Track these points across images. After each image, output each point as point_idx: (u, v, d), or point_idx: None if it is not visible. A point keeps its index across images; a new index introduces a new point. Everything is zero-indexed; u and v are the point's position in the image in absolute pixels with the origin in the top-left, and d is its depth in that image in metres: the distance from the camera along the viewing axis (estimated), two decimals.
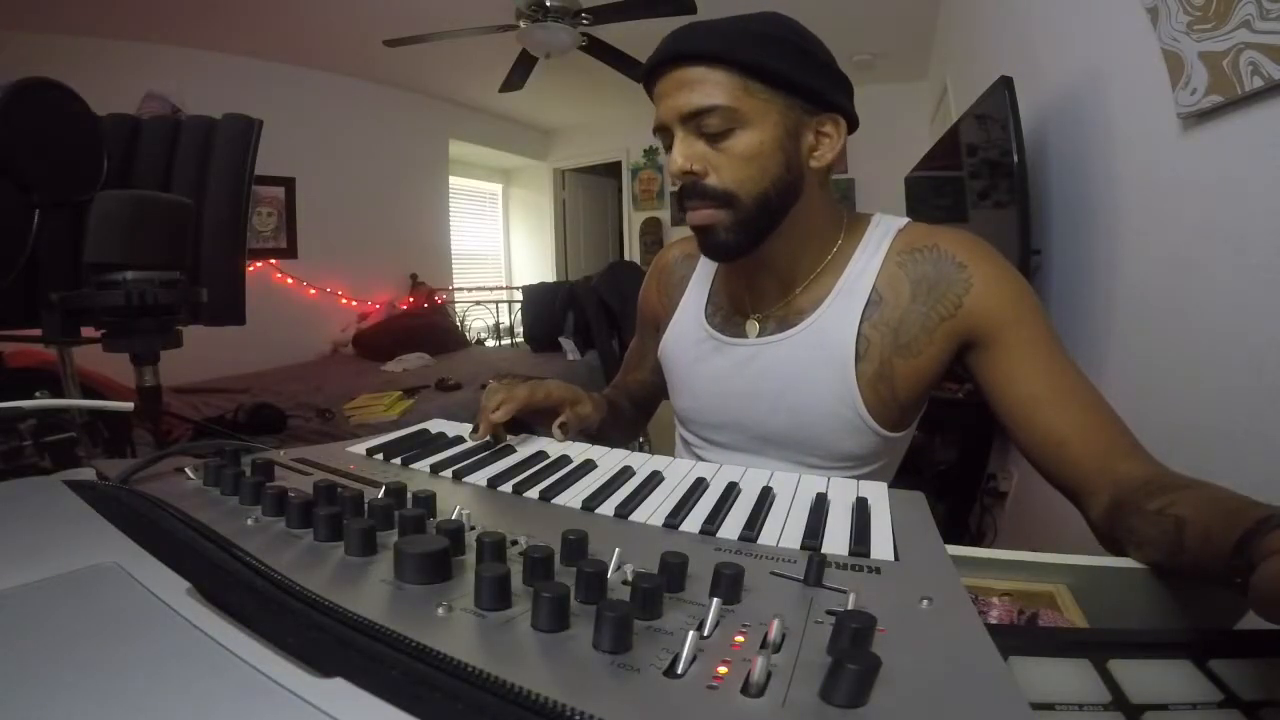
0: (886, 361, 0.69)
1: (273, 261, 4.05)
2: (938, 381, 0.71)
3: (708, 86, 0.64)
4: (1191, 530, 0.42)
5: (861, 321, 0.69)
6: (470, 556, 0.36)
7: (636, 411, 0.97)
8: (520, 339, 4.85)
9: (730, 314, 0.80)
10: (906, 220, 0.74)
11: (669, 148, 0.68)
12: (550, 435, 0.72)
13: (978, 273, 0.66)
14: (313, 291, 4.28)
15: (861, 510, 0.46)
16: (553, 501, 0.49)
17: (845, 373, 0.69)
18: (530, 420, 0.75)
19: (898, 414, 0.71)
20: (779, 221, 0.69)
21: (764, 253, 0.71)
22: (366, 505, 0.41)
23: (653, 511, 0.47)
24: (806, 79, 0.65)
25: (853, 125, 0.70)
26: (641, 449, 1.94)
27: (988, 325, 0.65)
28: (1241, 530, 0.36)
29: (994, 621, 0.41)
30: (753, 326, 0.77)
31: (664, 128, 0.68)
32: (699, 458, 0.85)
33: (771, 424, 0.75)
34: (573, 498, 0.49)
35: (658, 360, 0.90)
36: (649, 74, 0.68)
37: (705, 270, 0.85)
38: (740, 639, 0.28)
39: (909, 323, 0.68)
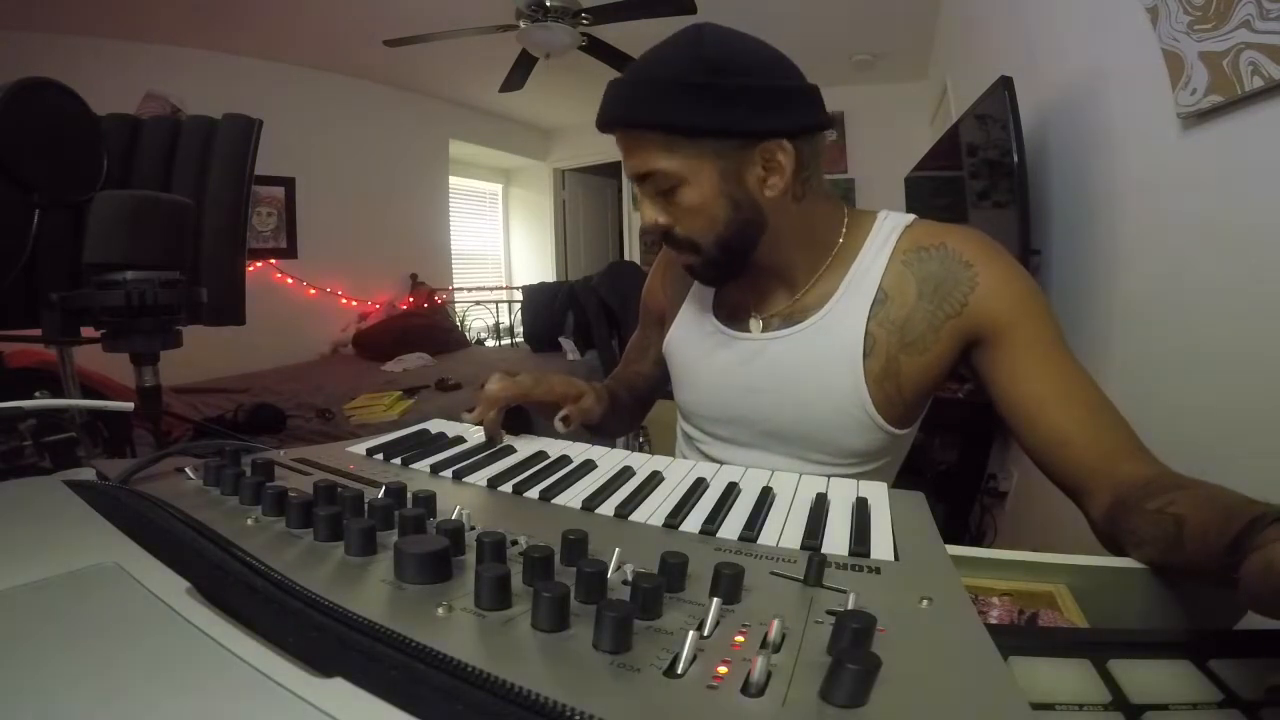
0: (893, 358, 0.69)
1: (273, 261, 4.04)
2: (943, 380, 0.71)
3: (642, 152, 0.65)
4: (1190, 528, 0.42)
5: (869, 319, 0.69)
6: (470, 556, 0.36)
7: (635, 404, 0.97)
8: (520, 339, 4.85)
9: (735, 309, 0.80)
10: (913, 217, 0.73)
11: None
12: (551, 432, 0.72)
13: (984, 272, 0.66)
14: (313, 291, 4.28)
15: (861, 510, 0.46)
16: (553, 501, 0.49)
17: (853, 368, 0.69)
18: (532, 412, 0.75)
19: (903, 411, 0.71)
20: (750, 253, 0.71)
21: (757, 265, 0.72)
22: (366, 505, 0.41)
23: (653, 511, 0.47)
24: (729, 122, 0.62)
25: (820, 127, 0.68)
26: (642, 448, 1.94)
27: (993, 324, 0.65)
28: (1237, 527, 0.36)
29: (994, 621, 0.41)
30: (758, 323, 0.77)
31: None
32: (701, 453, 0.85)
33: (777, 419, 0.75)
34: (573, 498, 0.49)
35: (659, 353, 0.90)
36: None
37: None
38: (740, 639, 0.28)
39: (915, 320, 0.68)
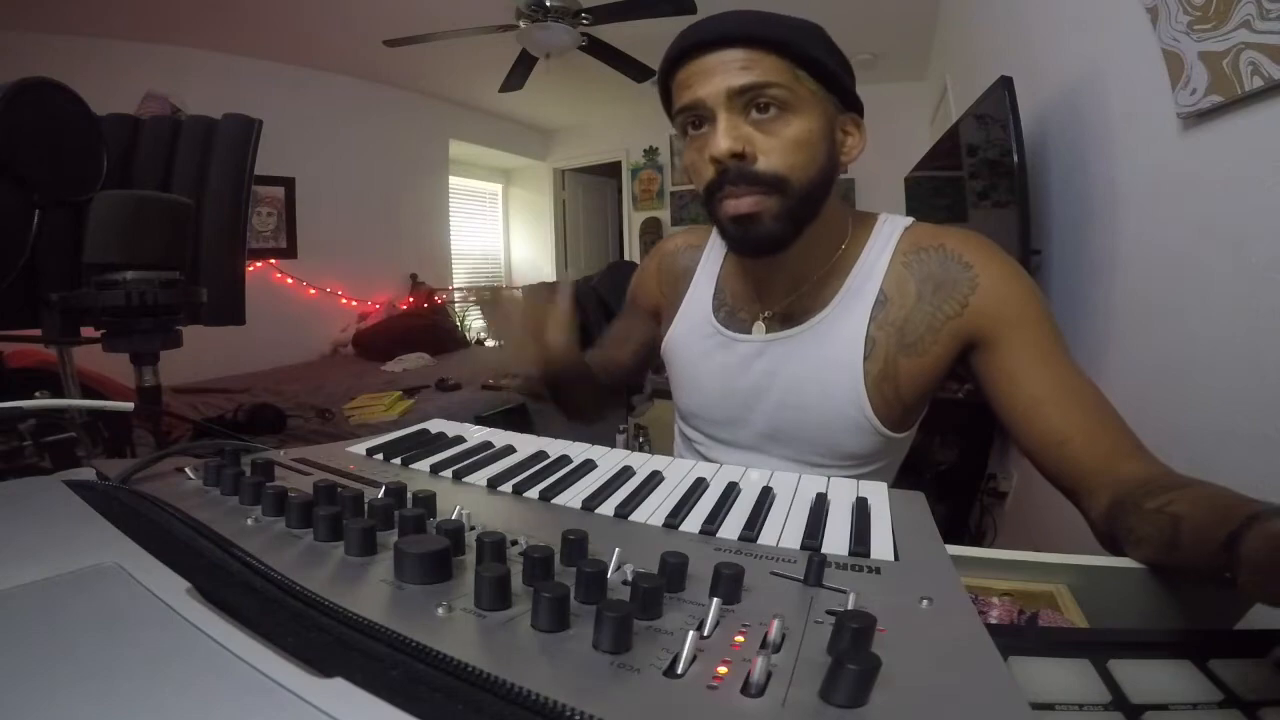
0: (892, 361, 0.69)
1: (273, 261, 4.04)
2: (942, 381, 0.71)
3: (764, 66, 0.62)
4: (1187, 527, 0.42)
5: (869, 321, 0.69)
6: (470, 556, 0.36)
7: (603, 389, 0.89)
8: None
9: (735, 310, 0.80)
10: (912, 220, 0.74)
11: (695, 126, 0.66)
12: (551, 432, 0.71)
13: (984, 273, 0.66)
14: (313, 291, 4.28)
15: (861, 510, 0.46)
16: (553, 501, 0.49)
17: (853, 372, 0.69)
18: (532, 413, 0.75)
19: (901, 413, 0.71)
20: (818, 213, 0.69)
21: (771, 255, 0.71)
22: (366, 505, 0.41)
23: (653, 511, 0.46)
24: (843, 77, 0.67)
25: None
26: (641, 448, 1.94)
27: (993, 325, 0.65)
28: (1233, 526, 0.36)
29: (994, 621, 0.41)
30: (759, 325, 0.77)
31: (695, 106, 0.64)
32: (700, 455, 0.84)
33: (776, 421, 0.75)
34: (573, 498, 0.49)
35: (640, 346, 0.90)
36: (683, 55, 0.65)
37: (710, 265, 0.85)
38: (740, 639, 0.28)
39: (915, 322, 0.68)
